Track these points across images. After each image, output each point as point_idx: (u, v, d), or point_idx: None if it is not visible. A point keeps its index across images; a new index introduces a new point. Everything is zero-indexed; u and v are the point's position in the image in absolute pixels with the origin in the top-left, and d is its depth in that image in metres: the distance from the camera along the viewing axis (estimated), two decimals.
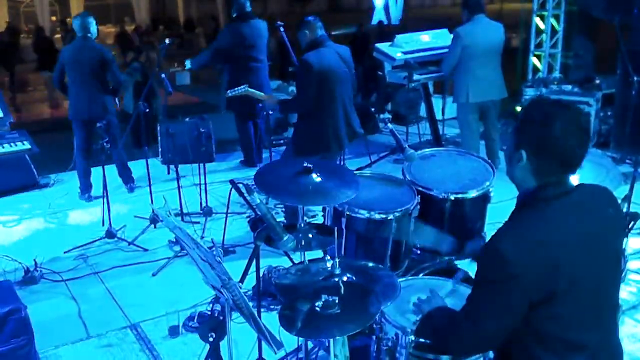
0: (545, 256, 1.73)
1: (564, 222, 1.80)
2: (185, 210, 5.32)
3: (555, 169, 1.82)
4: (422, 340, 2.14)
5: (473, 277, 2.68)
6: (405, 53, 6.63)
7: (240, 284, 3.83)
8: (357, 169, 6.27)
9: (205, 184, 5.37)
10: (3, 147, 6.10)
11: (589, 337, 1.81)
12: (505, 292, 1.76)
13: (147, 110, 5.20)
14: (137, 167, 6.21)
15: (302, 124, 4.55)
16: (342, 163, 6.72)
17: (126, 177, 6.18)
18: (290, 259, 3.94)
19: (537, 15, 8.23)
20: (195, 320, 3.71)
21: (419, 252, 3.05)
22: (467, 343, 1.95)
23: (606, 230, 1.87)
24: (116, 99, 6.26)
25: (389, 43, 6.87)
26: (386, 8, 20.20)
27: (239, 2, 6.42)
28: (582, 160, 1.83)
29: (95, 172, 5.84)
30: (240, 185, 4.09)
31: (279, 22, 6.04)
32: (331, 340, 2.26)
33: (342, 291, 2.16)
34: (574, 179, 2.72)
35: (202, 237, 4.92)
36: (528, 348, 1.82)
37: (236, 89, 4.57)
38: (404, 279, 2.63)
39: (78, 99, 5.74)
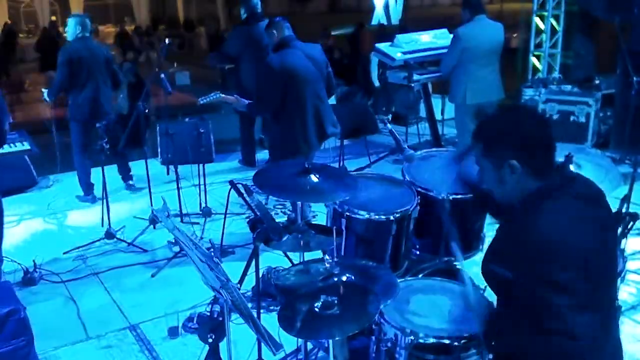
0: (572, 243, 1.74)
1: (577, 211, 1.81)
2: (184, 211, 5.31)
3: (548, 156, 1.87)
4: (421, 341, 2.14)
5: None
6: (405, 53, 6.62)
7: (239, 285, 3.83)
8: (357, 170, 6.28)
9: (205, 184, 5.37)
10: (2, 148, 6.09)
11: (593, 319, 1.77)
12: (573, 272, 1.72)
13: (147, 110, 5.20)
14: (136, 168, 6.21)
15: (273, 128, 4.53)
16: (341, 164, 6.76)
17: (126, 175, 6.17)
18: (290, 260, 3.94)
19: (537, 15, 8.22)
20: (194, 321, 3.71)
21: (418, 252, 3.05)
22: (580, 334, 1.75)
23: (611, 222, 1.93)
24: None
25: (389, 43, 6.86)
26: (386, 8, 20.20)
27: (249, 4, 6.29)
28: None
29: (95, 173, 5.84)
30: (240, 186, 4.09)
31: None
32: (330, 341, 2.25)
33: (342, 291, 2.15)
34: None
35: (201, 238, 4.91)
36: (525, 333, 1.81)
37: (208, 95, 4.51)
38: (403, 279, 2.62)
39: (91, 99, 5.62)
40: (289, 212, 5.27)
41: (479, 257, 3.09)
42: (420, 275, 2.78)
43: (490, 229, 3.08)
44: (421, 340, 2.16)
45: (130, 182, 6.21)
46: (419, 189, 2.95)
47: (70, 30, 5.61)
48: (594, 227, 1.83)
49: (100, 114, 5.59)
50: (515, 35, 9.99)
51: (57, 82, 5.62)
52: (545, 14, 8.11)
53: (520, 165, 1.84)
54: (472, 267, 2.84)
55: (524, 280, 1.80)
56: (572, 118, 7.01)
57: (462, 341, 2.20)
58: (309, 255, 2.82)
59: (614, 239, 1.97)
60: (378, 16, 19.93)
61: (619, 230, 3.19)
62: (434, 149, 3.46)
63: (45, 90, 5.74)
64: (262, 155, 7.00)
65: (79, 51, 5.54)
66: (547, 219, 1.78)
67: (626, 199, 4.57)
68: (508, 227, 1.96)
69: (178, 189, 5.20)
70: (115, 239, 4.94)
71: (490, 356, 2.15)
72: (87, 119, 5.61)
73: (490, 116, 2.07)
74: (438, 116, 7.31)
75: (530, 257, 1.77)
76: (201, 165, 5.36)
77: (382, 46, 6.81)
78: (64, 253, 4.82)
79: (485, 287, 2.59)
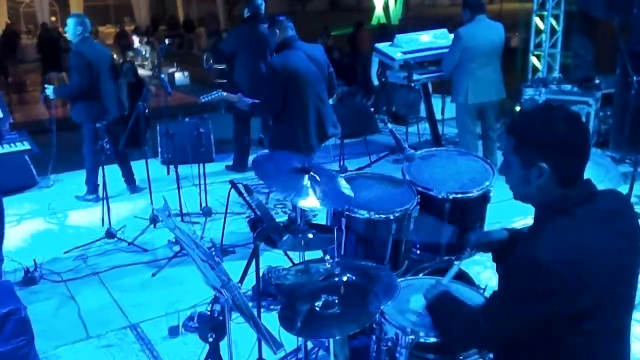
0: (584, 268, 1.65)
1: (597, 230, 1.72)
2: (184, 211, 5.32)
3: (580, 166, 1.78)
4: (422, 340, 2.14)
5: (465, 274, 2.70)
6: (404, 53, 6.62)
7: (240, 284, 3.83)
8: (357, 169, 6.28)
9: (205, 184, 5.37)
10: (3, 148, 6.10)
11: (608, 346, 1.78)
12: (538, 303, 1.68)
13: (147, 110, 5.21)
14: (136, 168, 6.21)
15: (274, 127, 4.54)
16: (341, 163, 6.77)
17: (129, 177, 6.19)
18: (290, 259, 3.94)
19: (537, 15, 8.22)
20: (195, 321, 3.71)
21: (418, 252, 3.05)
22: (476, 340, 1.95)
23: (634, 243, 1.80)
24: None
25: (389, 43, 6.87)
26: (386, 8, 20.22)
27: (253, 4, 6.28)
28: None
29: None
30: (240, 186, 4.09)
31: None
32: (331, 340, 2.26)
33: (342, 291, 2.16)
34: None
35: (201, 238, 4.92)
36: (539, 351, 1.80)
37: (211, 93, 4.51)
38: (403, 279, 2.62)
39: (108, 100, 5.68)
40: (289, 212, 5.28)
41: (479, 257, 3.10)
42: (420, 275, 2.78)
43: (490, 229, 3.09)
44: (422, 340, 2.16)
45: (133, 185, 6.21)
46: (419, 189, 2.95)
47: (70, 30, 5.59)
48: (614, 246, 1.73)
49: (122, 109, 5.70)
50: (516, 34, 9.98)
51: (76, 84, 5.56)
52: (545, 13, 8.12)
53: (550, 170, 1.74)
54: (472, 266, 2.85)
55: (502, 287, 1.85)
56: None
57: None
58: (309, 255, 2.82)
59: (638, 263, 1.82)
60: (378, 16, 19.95)
61: None
62: (434, 149, 3.46)
63: (50, 87, 5.72)
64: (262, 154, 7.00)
65: (89, 53, 5.59)
66: (552, 243, 1.68)
67: None
68: (527, 234, 1.90)
69: (178, 188, 5.20)
70: (115, 239, 4.95)
71: (491, 355, 2.16)
72: (106, 119, 5.59)
73: (529, 111, 1.93)
74: (438, 116, 7.32)
75: (517, 273, 1.74)
76: (201, 165, 5.37)
77: (382, 46, 6.82)
78: (65, 252, 4.82)
79: (486, 287, 2.60)
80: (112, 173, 5.96)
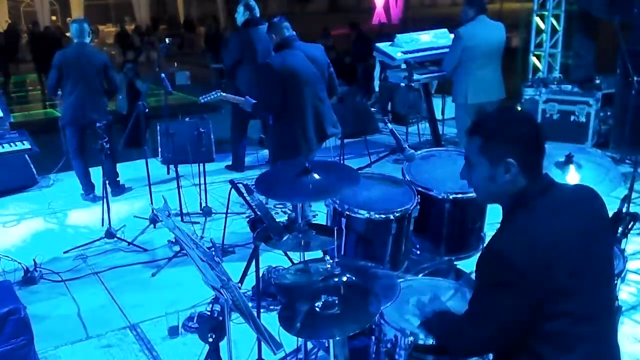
0: (545, 254, 1.73)
1: (556, 218, 1.80)
2: (185, 210, 5.32)
3: (541, 158, 1.88)
4: (421, 342, 2.14)
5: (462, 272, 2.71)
6: (405, 53, 6.62)
7: (240, 284, 3.83)
8: (357, 169, 6.27)
9: (205, 184, 5.37)
10: (3, 147, 6.07)
11: (589, 330, 1.80)
12: (508, 294, 1.76)
13: (147, 110, 5.21)
14: (136, 167, 6.21)
15: (274, 128, 4.54)
16: (341, 162, 6.76)
17: (113, 180, 6.08)
18: (290, 259, 3.94)
19: (537, 15, 8.22)
20: (194, 321, 3.71)
21: (418, 252, 3.05)
22: (470, 346, 1.96)
23: (597, 227, 1.88)
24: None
25: (389, 43, 6.87)
26: (386, 8, 20.22)
27: (249, 7, 6.32)
28: None
29: (95, 172, 5.85)
30: (240, 186, 4.09)
31: None
32: (331, 340, 2.25)
33: (342, 291, 2.15)
34: (574, 179, 2.72)
35: (201, 237, 4.91)
36: (529, 345, 1.82)
37: (209, 94, 4.51)
38: (403, 279, 2.62)
39: (77, 104, 5.66)
40: (289, 212, 5.28)
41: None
42: (420, 275, 2.78)
43: (490, 229, 3.08)
44: (421, 342, 2.15)
45: (116, 187, 6.11)
46: (419, 189, 2.95)
47: (72, 34, 5.69)
48: (573, 234, 1.80)
49: (93, 118, 5.50)
50: (515, 34, 9.99)
51: (47, 82, 5.99)
52: (546, 13, 8.12)
53: (517, 164, 1.83)
54: (472, 266, 2.84)
55: (475, 286, 1.94)
56: (572, 118, 7.01)
57: None
58: (309, 255, 2.82)
59: (605, 246, 1.90)
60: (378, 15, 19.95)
61: (619, 230, 3.18)
62: (434, 149, 3.46)
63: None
64: (262, 154, 7.01)
65: (67, 56, 5.64)
66: (510, 236, 1.80)
67: (626, 199, 4.57)
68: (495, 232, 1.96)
69: (178, 188, 5.20)
70: (115, 239, 4.95)
71: (491, 356, 2.15)
72: (78, 123, 5.71)
73: (491, 113, 2.07)
74: (438, 116, 7.31)
75: (482, 268, 1.84)
76: (201, 165, 5.36)
77: (382, 46, 6.81)
78: (65, 252, 4.82)
79: None
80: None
